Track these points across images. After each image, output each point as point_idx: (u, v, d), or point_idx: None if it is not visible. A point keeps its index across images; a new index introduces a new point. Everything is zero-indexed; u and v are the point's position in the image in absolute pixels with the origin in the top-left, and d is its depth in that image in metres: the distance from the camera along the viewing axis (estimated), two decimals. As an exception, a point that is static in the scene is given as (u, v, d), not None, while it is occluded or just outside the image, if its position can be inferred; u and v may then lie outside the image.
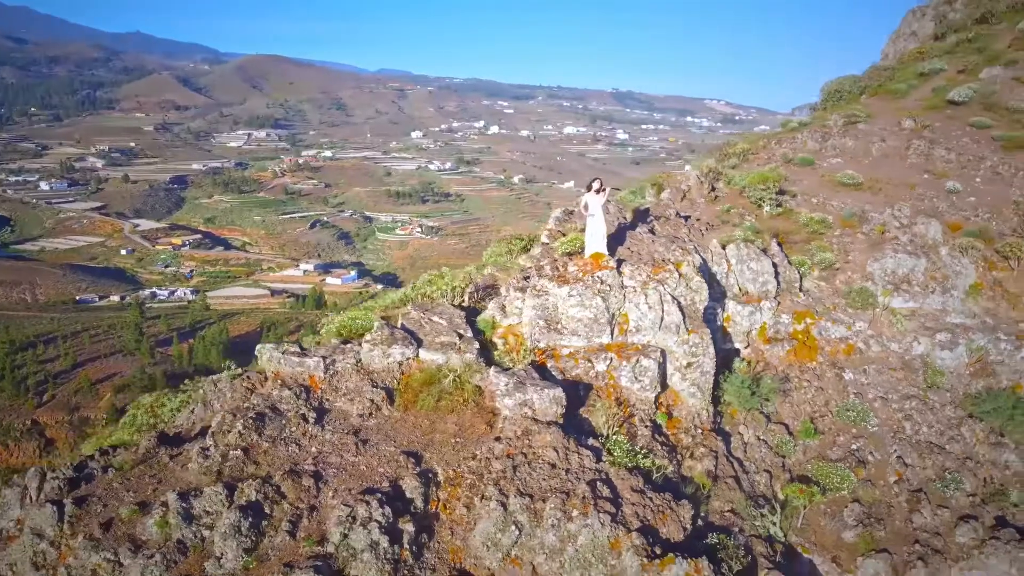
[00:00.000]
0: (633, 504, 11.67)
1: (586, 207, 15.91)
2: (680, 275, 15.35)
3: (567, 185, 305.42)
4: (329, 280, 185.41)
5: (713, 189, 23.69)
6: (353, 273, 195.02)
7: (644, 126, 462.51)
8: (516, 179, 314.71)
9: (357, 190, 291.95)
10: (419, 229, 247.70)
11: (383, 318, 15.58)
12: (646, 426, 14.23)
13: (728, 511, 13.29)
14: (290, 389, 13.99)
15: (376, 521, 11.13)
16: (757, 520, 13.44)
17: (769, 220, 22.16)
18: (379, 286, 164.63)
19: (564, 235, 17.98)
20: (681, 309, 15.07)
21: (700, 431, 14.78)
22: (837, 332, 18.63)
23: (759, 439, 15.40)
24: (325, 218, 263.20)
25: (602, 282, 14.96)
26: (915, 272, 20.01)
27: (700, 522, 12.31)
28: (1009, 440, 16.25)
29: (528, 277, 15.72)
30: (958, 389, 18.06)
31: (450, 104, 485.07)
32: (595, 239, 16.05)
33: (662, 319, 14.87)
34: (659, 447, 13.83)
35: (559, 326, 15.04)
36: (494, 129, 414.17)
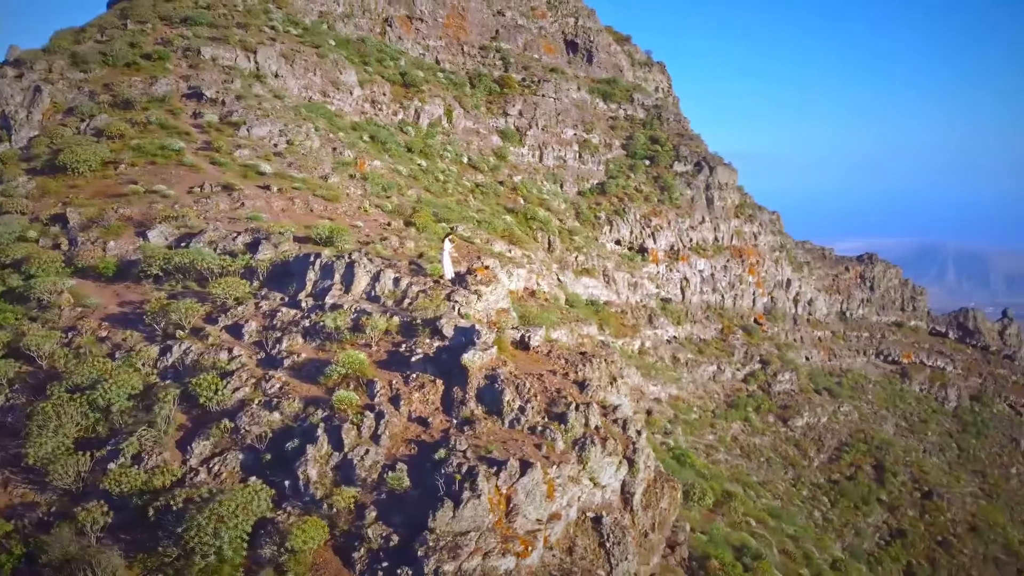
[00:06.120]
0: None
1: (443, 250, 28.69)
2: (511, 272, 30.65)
3: None
4: None
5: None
6: None
7: None
8: None
9: None
10: None
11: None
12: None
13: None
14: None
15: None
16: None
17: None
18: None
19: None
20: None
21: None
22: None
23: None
24: None
25: (491, 282, 28.96)
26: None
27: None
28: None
29: (475, 290, 27.49)
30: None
31: None
32: (450, 265, 28.93)
33: (507, 293, 30.14)
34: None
35: (488, 304, 28.05)
36: None
